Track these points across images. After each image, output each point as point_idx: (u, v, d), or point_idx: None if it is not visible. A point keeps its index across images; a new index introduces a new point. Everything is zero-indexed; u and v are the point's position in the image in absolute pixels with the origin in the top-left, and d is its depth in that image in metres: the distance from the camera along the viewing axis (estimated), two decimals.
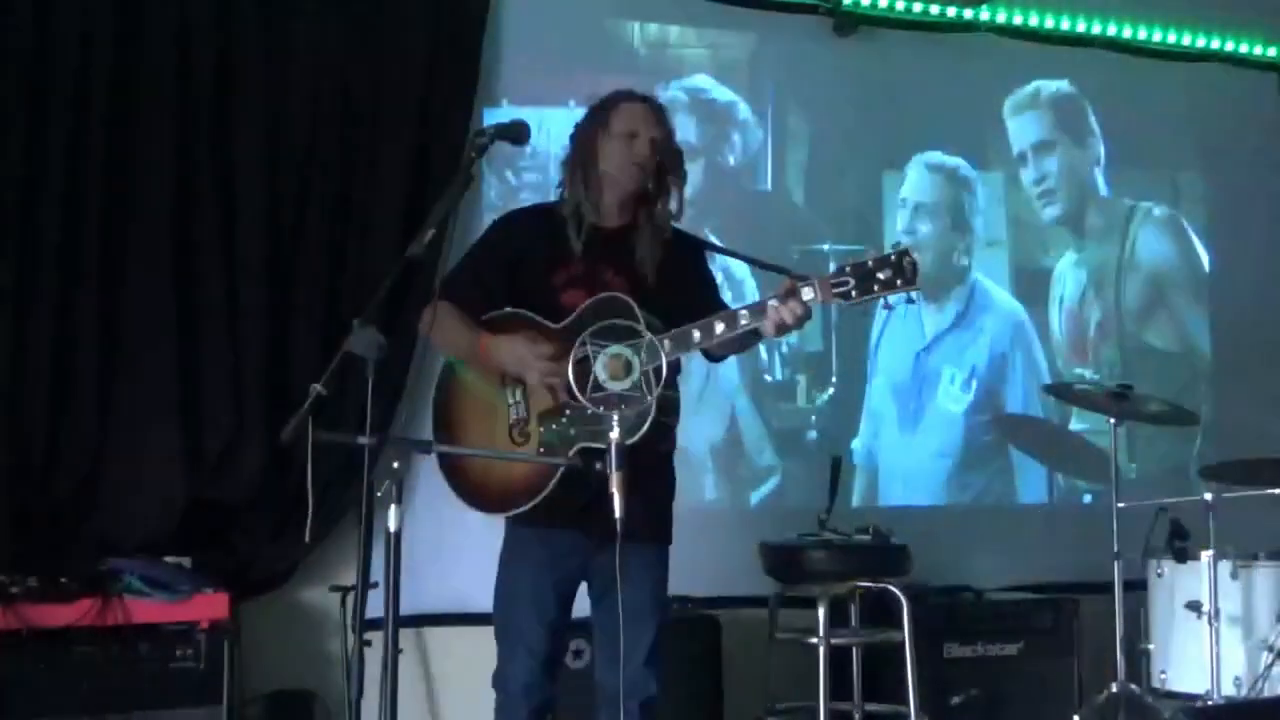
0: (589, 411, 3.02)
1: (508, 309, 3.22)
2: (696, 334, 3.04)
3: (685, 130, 5.18)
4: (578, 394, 3.03)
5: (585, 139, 3.26)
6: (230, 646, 3.86)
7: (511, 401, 3.14)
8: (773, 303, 2.99)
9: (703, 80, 5.22)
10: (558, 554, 3.18)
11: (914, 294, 2.95)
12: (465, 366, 3.21)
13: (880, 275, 2.93)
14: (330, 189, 4.47)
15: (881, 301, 2.95)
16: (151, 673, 3.73)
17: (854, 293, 2.94)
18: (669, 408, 3.15)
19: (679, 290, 3.23)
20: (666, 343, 3.03)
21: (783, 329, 3.01)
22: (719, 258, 3.45)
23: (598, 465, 2.74)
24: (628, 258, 3.21)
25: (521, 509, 3.10)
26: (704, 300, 3.27)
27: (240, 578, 4.17)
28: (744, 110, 5.27)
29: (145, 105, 4.29)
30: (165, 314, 4.27)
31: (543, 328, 3.16)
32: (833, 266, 3.02)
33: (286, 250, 4.42)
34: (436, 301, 3.02)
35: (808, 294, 2.97)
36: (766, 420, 5.13)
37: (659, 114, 3.28)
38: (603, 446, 2.79)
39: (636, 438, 2.92)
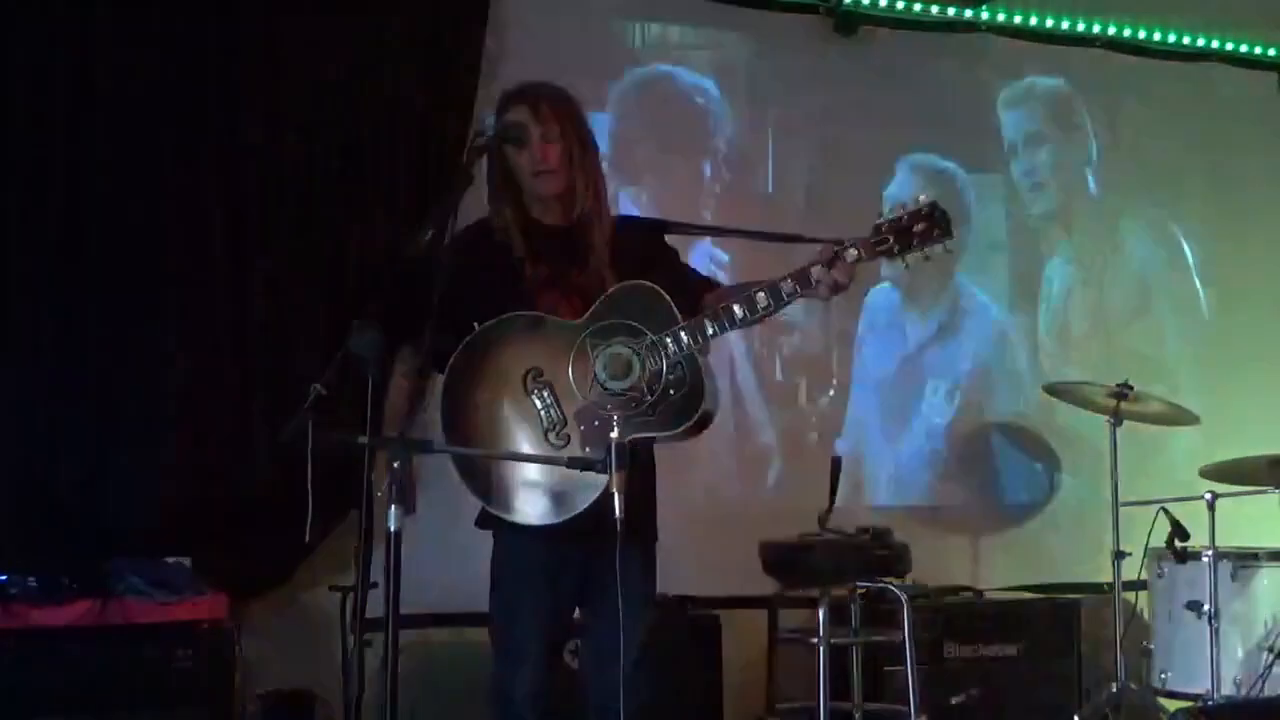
0: (629, 400, 2.89)
1: (507, 315, 3.00)
2: (738, 309, 2.90)
3: (685, 130, 5.20)
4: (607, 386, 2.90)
5: (493, 151, 3.04)
6: (230, 646, 3.86)
7: (542, 406, 2.96)
8: (818, 269, 2.90)
9: (703, 80, 5.21)
10: (560, 565, 3.06)
11: (949, 244, 2.89)
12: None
13: (917, 229, 2.88)
14: (332, 189, 4.47)
15: (923, 255, 2.88)
16: (151, 673, 3.72)
17: (896, 248, 2.89)
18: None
19: (645, 274, 3.05)
20: (706, 322, 2.89)
21: (838, 289, 2.92)
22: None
23: (598, 466, 2.69)
24: (584, 254, 3.07)
25: (555, 521, 2.94)
26: (678, 273, 3.16)
27: (240, 578, 4.17)
28: (744, 110, 5.26)
29: (145, 105, 4.29)
30: (167, 314, 4.27)
31: (556, 322, 2.98)
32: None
33: (288, 250, 4.42)
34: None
35: (852, 255, 2.90)
36: (767, 420, 5.13)
37: (553, 105, 3.06)
38: (652, 435, 2.85)
39: (689, 423, 2.89)
